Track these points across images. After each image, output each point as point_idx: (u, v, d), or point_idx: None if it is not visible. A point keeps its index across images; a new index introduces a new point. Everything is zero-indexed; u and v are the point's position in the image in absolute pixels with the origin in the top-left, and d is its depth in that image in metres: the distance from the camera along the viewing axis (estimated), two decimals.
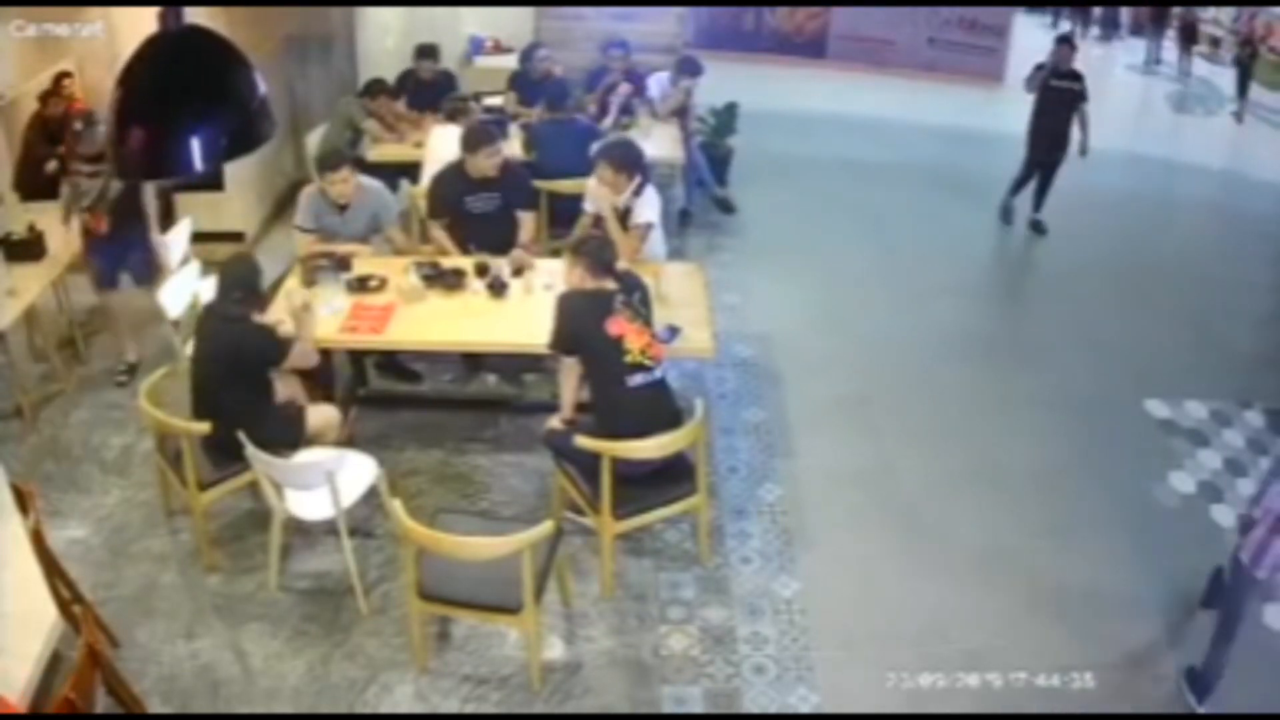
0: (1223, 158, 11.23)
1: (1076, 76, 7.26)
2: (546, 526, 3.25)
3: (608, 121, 6.72)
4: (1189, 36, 15.91)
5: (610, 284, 3.85)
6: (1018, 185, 7.74)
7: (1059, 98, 7.24)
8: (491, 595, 3.40)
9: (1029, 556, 4.31)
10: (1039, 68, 7.35)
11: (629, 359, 3.75)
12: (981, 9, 12.47)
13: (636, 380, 3.77)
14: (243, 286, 3.96)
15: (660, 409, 3.84)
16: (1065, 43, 7.41)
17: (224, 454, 3.87)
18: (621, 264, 4.01)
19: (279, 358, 3.99)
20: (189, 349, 4.74)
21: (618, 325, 3.76)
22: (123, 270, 5.30)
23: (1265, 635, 3.97)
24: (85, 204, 5.14)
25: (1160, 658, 3.83)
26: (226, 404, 3.84)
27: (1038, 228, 7.71)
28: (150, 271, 5.32)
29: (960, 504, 4.62)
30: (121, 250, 5.25)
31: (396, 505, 3.33)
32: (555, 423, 4.03)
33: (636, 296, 3.89)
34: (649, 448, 3.72)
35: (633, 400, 3.77)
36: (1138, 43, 17.14)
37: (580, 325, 3.81)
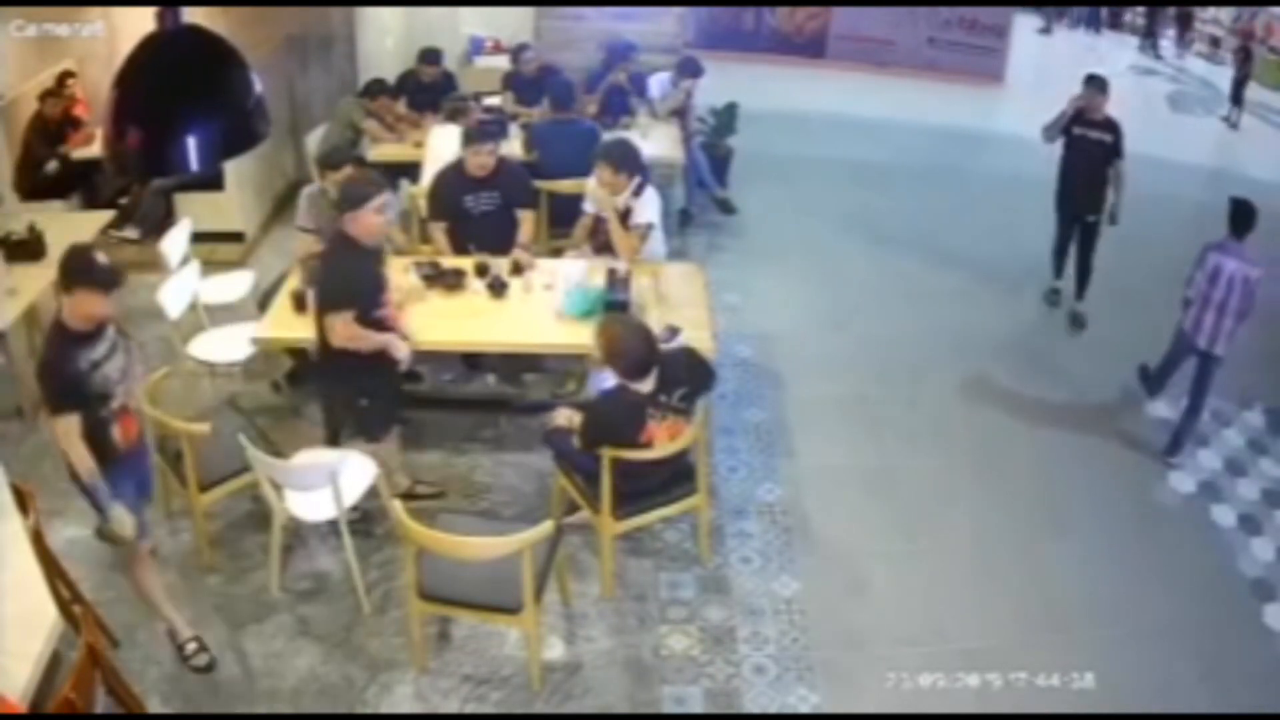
0: (1222, 158, 11.22)
1: (1109, 126, 5.91)
2: (546, 526, 3.25)
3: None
4: (1185, 29, 15.94)
5: (647, 385, 3.67)
6: (1059, 256, 6.47)
7: (1087, 151, 5.95)
8: (491, 595, 3.40)
9: (1029, 556, 4.32)
10: (1063, 115, 6.06)
11: (656, 454, 3.74)
12: (981, 9, 12.46)
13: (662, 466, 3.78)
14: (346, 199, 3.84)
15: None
16: (1094, 84, 5.95)
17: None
18: (665, 346, 3.80)
19: (324, 306, 3.78)
20: (189, 349, 4.77)
21: (649, 434, 3.69)
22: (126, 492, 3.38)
23: (1265, 635, 3.98)
24: (117, 403, 3.27)
25: (1160, 652, 3.83)
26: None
27: (1077, 321, 6.32)
28: (152, 486, 3.76)
29: (960, 504, 4.62)
30: (137, 462, 3.52)
31: (396, 505, 3.34)
32: (560, 420, 3.97)
33: (678, 395, 3.71)
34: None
35: (653, 470, 3.80)
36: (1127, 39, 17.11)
37: (611, 435, 3.69)
